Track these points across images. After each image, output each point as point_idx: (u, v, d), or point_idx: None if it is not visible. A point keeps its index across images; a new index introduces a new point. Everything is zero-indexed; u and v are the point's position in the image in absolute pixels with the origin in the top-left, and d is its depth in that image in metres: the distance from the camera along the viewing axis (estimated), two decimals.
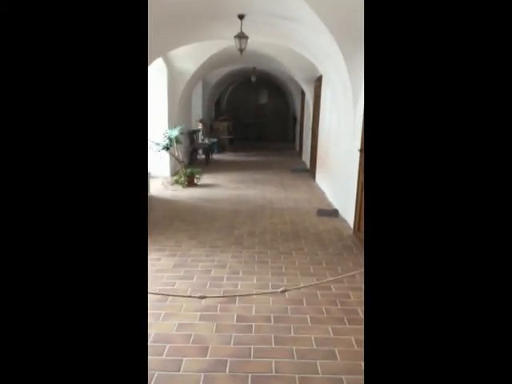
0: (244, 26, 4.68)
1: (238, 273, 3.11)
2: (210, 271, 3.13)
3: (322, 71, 6.06)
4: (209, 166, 8.83)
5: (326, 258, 3.44)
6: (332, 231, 4.23)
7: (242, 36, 4.58)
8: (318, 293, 2.78)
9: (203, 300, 2.63)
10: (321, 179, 6.78)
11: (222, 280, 2.97)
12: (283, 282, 2.95)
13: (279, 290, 2.64)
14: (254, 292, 2.76)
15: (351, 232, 4.20)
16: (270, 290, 2.77)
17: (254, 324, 2.35)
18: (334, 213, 4.95)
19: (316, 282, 2.93)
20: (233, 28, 4.85)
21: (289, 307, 2.57)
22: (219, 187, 6.53)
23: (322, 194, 6.19)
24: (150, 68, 5.56)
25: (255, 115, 15.61)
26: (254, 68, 10.33)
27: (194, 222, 4.46)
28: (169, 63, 7.06)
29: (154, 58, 5.36)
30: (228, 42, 6.78)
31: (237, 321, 2.39)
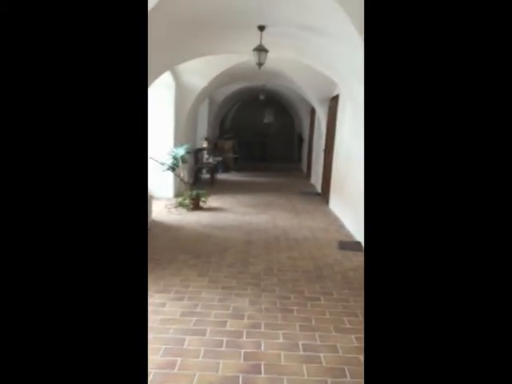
0: (263, 40, 4.28)
1: (260, 326, 2.57)
2: (225, 323, 2.59)
3: (343, 90, 5.65)
4: (214, 186, 8.34)
5: (361, 307, 2.91)
6: (360, 270, 3.71)
7: (261, 49, 4.16)
8: (362, 358, 2.24)
9: (220, 367, 2.10)
10: (336, 205, 6.29)
11: (241, 336, 2.43)
12: (316, 341, 2.42)
13: None
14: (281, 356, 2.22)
15: None
16: None
17: None
18: (357, 246, 4.44)
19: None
20: (250, 41, 4.44)
21: (329, 381, 2.03)
22: (227, 211, 6.02)
23: (339, 221, 5.68)
24: (157, 82, 5.13)
25: (259, 134, 15.23)
26: (264, 86, 9.99)
27: (203, 255, 3.93)
28: (177, 78, 6.66)
29: (163, 71, 4.93)
30: (240, 58, 6.42)
31: None
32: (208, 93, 8.34)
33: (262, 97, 10.85)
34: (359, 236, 4.68)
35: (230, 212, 6.00)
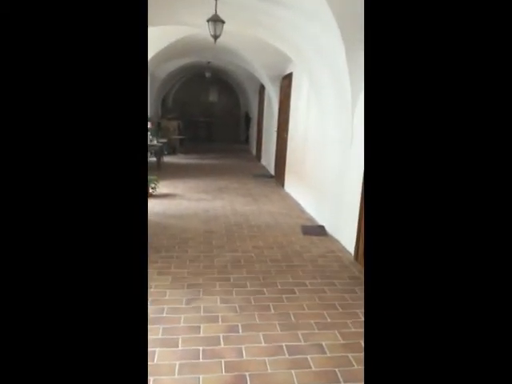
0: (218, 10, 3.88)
1: (237, 329, 2.34)
2: (198, 328, 2.32)
3: (300, 68, 5.43)
4: (161, 170, 7.84)
5: (338, 298, 2.79)
6: (329, 256, 3.60)
7: (216, 19, 3.78)
8: (351, 356, 2.11)
9: (200, 379, 1.84)
10: (293, 187, 6.17)
11: (219, 343, 2.18)
12: (300, 341, 2.24)
13: None
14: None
15: (351, 257, 3.60)
16: None
17: None
18: (321, 230, 4.34)
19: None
20: (202, 11, 4.03)
21: None
22: (180, 198, 5.64)
23: (298, 205, 5.57)
24: None
25: (205, 114, 14.67)
26: (209, 63, 9.49)
27: (162, 249, 3.58)
28: None
29: None
30: (186, 31, 5.93)
31: None
32: (149, 69, 7.70)
33: (208, 74, 10.33)
34: (321, 220, 4.59)
35: (184, 199, 5.63)
